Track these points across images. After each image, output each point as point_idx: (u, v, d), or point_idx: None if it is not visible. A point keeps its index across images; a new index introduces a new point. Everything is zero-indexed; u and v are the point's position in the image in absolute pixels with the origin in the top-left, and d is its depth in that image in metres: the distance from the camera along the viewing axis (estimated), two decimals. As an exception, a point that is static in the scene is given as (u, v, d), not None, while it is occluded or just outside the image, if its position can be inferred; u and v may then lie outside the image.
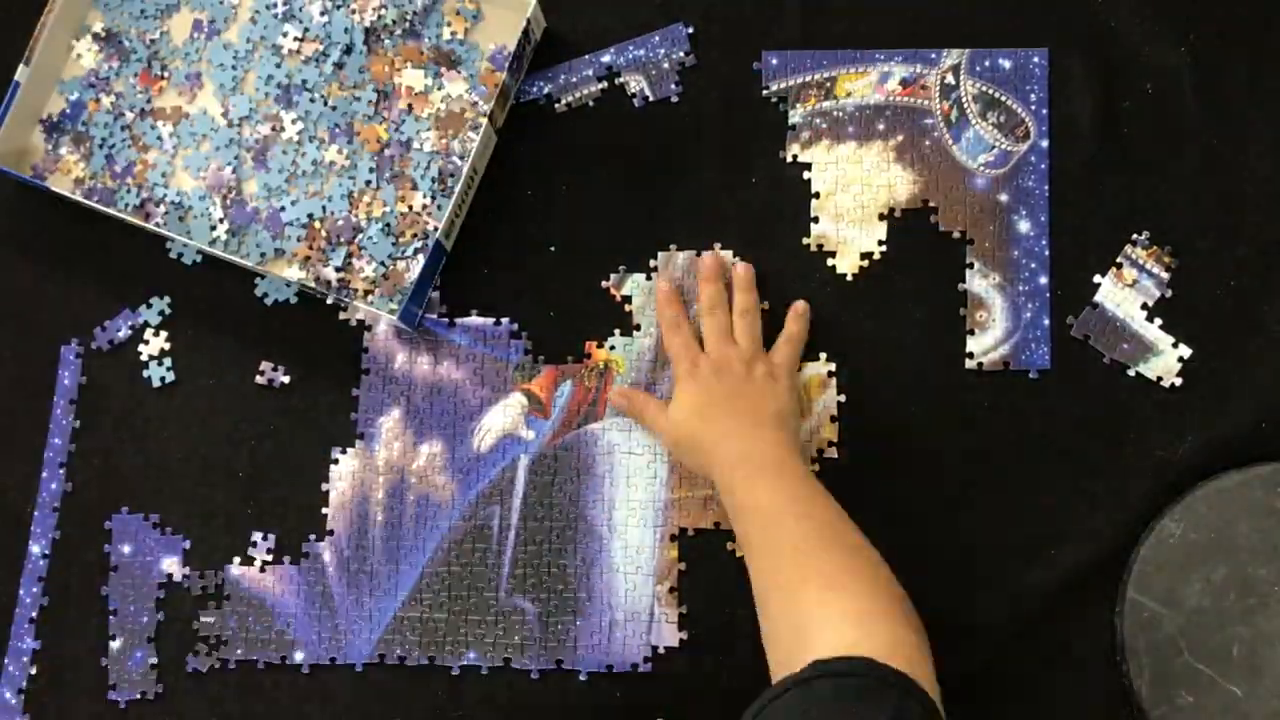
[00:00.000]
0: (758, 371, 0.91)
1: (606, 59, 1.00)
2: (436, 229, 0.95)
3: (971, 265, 0.95)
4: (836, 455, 0.94)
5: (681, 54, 1.00)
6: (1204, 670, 0.87)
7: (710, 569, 0.93)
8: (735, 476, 0.85)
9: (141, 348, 0.99)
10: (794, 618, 0.76)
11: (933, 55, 0.98)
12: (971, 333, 0.94)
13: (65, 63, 1.01)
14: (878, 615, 0.74)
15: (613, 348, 0.96)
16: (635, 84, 1.00)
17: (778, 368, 0.92)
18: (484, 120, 0.95)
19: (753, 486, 0.84)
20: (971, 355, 0.94)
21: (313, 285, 0.95)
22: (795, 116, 0.98)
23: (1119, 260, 0.94)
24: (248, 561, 0.96)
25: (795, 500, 0.82)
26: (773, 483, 0.84)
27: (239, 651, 0.95)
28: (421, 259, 0.95)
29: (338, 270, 0.96)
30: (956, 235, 0.96)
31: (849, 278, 0.96)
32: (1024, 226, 0.95)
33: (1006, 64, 0.97)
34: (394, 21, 0.99)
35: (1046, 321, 0.94)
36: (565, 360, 0.97)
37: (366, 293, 0.96)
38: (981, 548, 0.91)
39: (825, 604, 0.75)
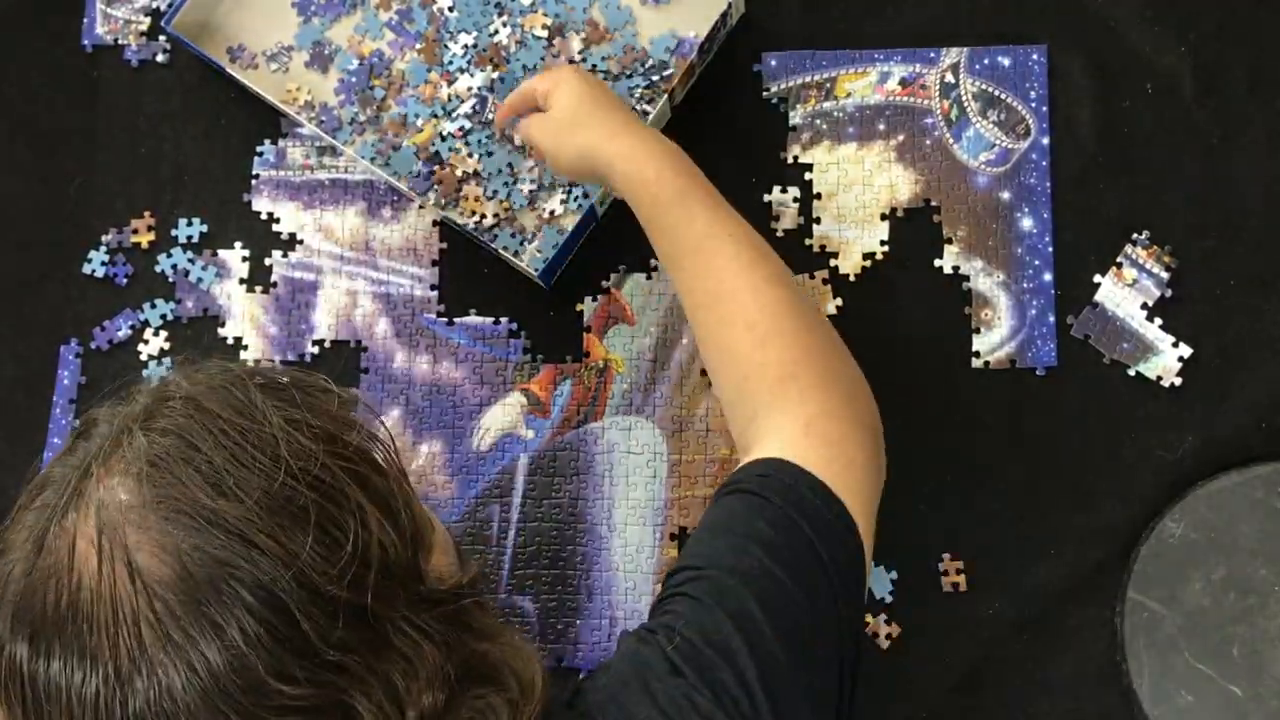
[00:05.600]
0: None
1: (607, 58, 1.00)
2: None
3: (975, 264, 0.95)
4: (837, 455, 0.93)
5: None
6: (1204, 670, 0.87)
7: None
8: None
9: (141, 347, 0.99)
10: (750, 403, 0.78)
11: (932, 54, 0.98)
12: (977, 331, 0.94)
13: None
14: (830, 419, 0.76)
15: (612, 347, 0.96)
16: (635, 83, 1.00)
17: None
18: (664, 95, 0.95)
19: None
20: (978, 354, 0.94)
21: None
22: (796, 118, 0.98)
23: (1119, 260, 0.94)
24: (247, 561, 0.96)
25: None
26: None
27: (239, 651, 0.95)
28: (572, 216, 0.96)
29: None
30: (959, 234, 0.96)
31: (851, 278, 0.96)
32: (1027, 223, 0.95)
33: (1005, 61, 0.98)
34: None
35: (1052, 318, 0.94)
36: (565, 360, 0.97)
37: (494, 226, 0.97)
38: (982, 547, 0.91)
39: (780, 399, 0.77)
